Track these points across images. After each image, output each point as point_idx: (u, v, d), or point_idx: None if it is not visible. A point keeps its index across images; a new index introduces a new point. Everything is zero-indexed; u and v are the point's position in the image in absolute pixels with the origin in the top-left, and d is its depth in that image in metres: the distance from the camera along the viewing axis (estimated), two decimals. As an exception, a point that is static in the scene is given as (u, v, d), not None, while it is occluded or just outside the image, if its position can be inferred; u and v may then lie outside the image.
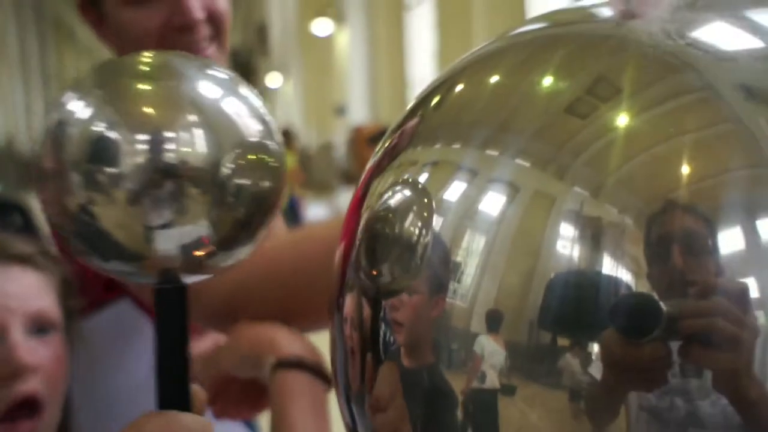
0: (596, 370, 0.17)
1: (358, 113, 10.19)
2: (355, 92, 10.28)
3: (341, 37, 10.61)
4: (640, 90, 0.20)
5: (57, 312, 0.57)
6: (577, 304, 0.18)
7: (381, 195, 0.23)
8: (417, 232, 0.20)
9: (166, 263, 0.25)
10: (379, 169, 0.25)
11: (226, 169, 0.24)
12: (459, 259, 0.19)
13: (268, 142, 0.26)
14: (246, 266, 0.49)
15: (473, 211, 0.20)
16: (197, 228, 0.24)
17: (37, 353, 0.53)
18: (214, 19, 0.73)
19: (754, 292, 0.17)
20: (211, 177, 0.24)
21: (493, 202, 0.19)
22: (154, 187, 0.23)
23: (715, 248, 0.17)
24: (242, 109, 0.25)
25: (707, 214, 0.17)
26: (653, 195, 0.18)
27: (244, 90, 0.26)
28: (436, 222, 0.20)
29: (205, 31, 0.73)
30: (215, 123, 0.24)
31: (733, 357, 0.17)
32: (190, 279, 0.26)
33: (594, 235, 0.18)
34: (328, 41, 12.16)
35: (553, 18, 0.25)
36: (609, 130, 0.19)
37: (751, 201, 0.17)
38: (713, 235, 0.17)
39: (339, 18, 10.46)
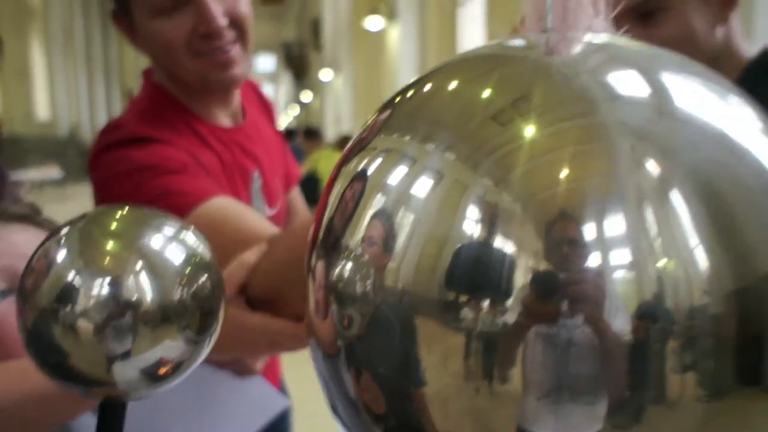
0: (499, 318, 0.23)
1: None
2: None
3: (392, 32, 10.65)
4: (547, 110, 0.25)
5: None
6: (474, 269, 0.23)
7: (347, 175, 0.28)
8: (366, 206, 0.26)
9: (127, 387, 0.33)
10: (349, 154, 0.30)
11: (173, 301, 0.32)
12: (395, 228, 0.25)
13: (203, 276, 0.34)
14: (285, 248, 0.54)
15: (409, 190, 0.25)
16: (155, 353, 0.32)
17: None
18: (236, 22, 0.79)
19: (604, 267, 0.22)
20: (161, 311, 0.32)
21: (423, 185, 0.25)
22: (112, 325, 0.31)
23: (580, 235, 0.22)
24: (182, 254, 0.33)
25: (575, 210, 0.22)
26: (538, 191, 0.23)
27: (189, 237, 0.35)
28: (381, 198, 0.26)
29: (229, 35, 0.79)
30: (161, 267, 0.32)
31: (595, 308, 0.22)
32: (143, 396, 0.34)
33: (492, 217, 0.23)
34: (379, 36, 12.21)
35: (505, 44, 0.30)
36: (518, 138, 0.25)
37: (604, 203, 0.22)
38: (579, 225, 0.22)
39: (391, 14, 10.50)
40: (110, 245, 0.33)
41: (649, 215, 0.22)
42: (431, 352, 0.23)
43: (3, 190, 0.76)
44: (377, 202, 0.26)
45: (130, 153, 0.75)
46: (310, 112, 25.37)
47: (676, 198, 0.22)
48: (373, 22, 10.41)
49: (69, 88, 18.82)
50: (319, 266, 0.28)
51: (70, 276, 0.31)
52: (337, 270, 0.26)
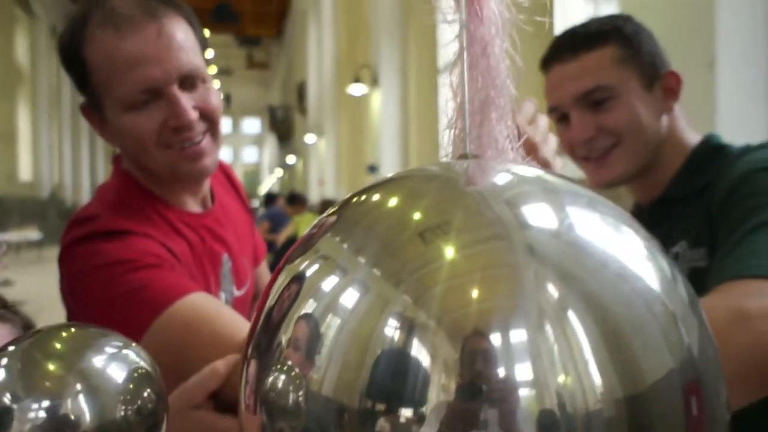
0: (415, 427, 0.25)
1: (389, 172, 10.35)
2: (386, 151, 10.49)
3: (375, 97, 10.92)
4: (464, 234, 0.28)
5: None
6: (392, 380, 0.25)
7: (288, 272, 0.31)
8: (298, 309, 0.28)
9: None
10: (295, 252, 0.33)
11: (114, 420, 0.33)
12: (322, 335, 0.27)
13: (146, 390, 0.35)
14: None
15: (338, 299, 0.28)
16: None
17: None
18: (206, 115, 0.82)
19: (510, 380, 0.24)
20: (99, 427, 0.32)
21: (350, 296, 0.27)
22: None
23: (489, 351, 0.25)
24: (124, 372, 0.34)
25: (485, 328, 0.25)
26: (453, 308, 0.26)
27: (132, 353, 0.36)
28: (312, 303, 0.28)
29: (199, 127, 0.81)
30: (102, 387, 0.33)
31: (504, 417, 0.24)
32: None
33: (409, 332, 0.26)
34: (362, 101, 12.49)
35: (441, 168, 0.33)
36: (437, 258, 0.27)
37: (509, 322, 0.25)
38: (488, 343, 0.25)
39: (373, 80, 10.78)
40: (51, 367, 0.33)
41: (549, 333, 0.25)
42: (353, 460, 0.25)
43: None
44: (308, 306, 0.28)
45: (106, 246, 0.75)
46: (293, 174, 25.59)
47: (573, 318, 0.25)
48: (356, 88, 10.68)
49: (53, 149, 18.86)
50: (252, 365, 0.30)
51: (6, 399, 0.32)
52: (268, 372, 0.28)
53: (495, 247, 0.27)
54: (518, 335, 0.25)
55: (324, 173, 16.84)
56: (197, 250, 0.86)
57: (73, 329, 0.36)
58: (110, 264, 0.74)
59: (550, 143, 0.52)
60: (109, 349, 0.35)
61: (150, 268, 0.74)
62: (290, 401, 0.27)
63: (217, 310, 0.73)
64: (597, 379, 0.25)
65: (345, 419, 0.25)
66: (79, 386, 0.33)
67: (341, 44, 15.86)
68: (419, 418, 0.25)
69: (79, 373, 0.33)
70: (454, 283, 0.26)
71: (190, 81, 0.81)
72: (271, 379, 0.28)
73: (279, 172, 31.23)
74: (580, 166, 1.01)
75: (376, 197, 0.32)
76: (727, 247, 0.74)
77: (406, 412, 0.25)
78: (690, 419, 0.26)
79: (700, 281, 0.78)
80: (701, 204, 0.89)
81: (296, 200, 6.34)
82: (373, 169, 10.83)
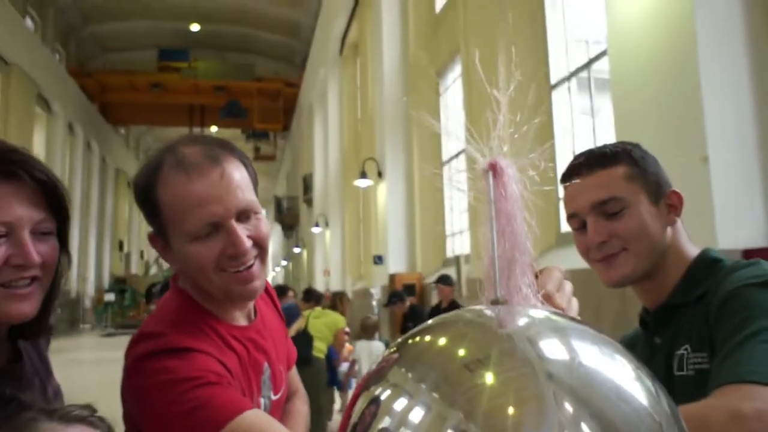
0: None
1: (396, 261, 10.45)
2: (392, 242, 10.63)
3: (380, 189, 11.18)
4: (500, 364, 0.37)
5: None
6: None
7: (366, 397, 0.40)
8: (375, 423, 0.37)
9: None
10: (369, 380, 0.42)
11: None
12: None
13: None
14: None
15: (407, 416, 0.37)
16: None
17: None
18: (258, 243, 0.94)
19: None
20: None
21: (417, 413, 0.37)
22: None
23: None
24: None
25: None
26: (495, 422, 0.35)
27: None
28: (387, 419, 0.37)
29: (252, 253, 0.93)
30: None
31: None
32: None
33: (463, 442, 0.35)
34: (367, 193, 12.76)
35: (477, 313, 0.43)
36: (481, 384, 0.37)
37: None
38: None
39: (378, 174, 11.06)
40: None
41: (567, 441, 0.34)
42: None
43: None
44: (385, 422, 0.37)
45: (171, 363, 0.84)
46: (298, 264, 25.72)
47: (585, 428, 0.34)
48: (362, 182, 10.96)
49: (62, 241, 18.97)
50: None
51: None
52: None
53: (523, 374, 0.37)
54: (544, 445, 0.34)
55: (329, 263, 16.95)
56: (244, 361, 0.95)
57: None
58: (176, 381, 0.82)
59: (573, 306, 0.62)
60: None
61: (211, 386, 0.82)
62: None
63: (269, 427, 0.82)
64: (604, 476, 0.33)
65: None
66: None
67: (346, 138, 16.39)
68: None
69: None
70: (494, 403, 0.36)
71: (245, 214, 0.92)
72: None
73: (283, 263, 31.33)
74: (593, 267, 1.13)
75: (428, 338, 0.42)
76: (723, 354, 0.85)
77: None
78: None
79: (704, 382, 0.87)
80: (700, 311, 1.01)
81: (312, 296, 6.30)
82: (379, 259, 10.93)
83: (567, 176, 1.14)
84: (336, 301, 6.20)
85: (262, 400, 0.98)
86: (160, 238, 0.96)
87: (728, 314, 0.91)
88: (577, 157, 1.15)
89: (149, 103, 26.00)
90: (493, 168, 0.42)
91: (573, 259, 1.33)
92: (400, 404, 0.38)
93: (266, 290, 1.14)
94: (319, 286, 16.29)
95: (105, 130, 26.89)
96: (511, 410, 0.35)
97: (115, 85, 25.49)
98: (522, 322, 0.40)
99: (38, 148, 17.28)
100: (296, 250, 25.63)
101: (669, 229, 1.11)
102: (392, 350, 0.43)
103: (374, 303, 10.55)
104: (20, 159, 0.79)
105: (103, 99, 25.57)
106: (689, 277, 1.07)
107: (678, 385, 0.99)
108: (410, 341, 0.42)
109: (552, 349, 0.38)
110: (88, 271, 23.66)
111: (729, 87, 3.61)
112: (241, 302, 0.98)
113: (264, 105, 26.79)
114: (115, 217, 29.16)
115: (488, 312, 0.41)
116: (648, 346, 1.12)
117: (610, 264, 1.09)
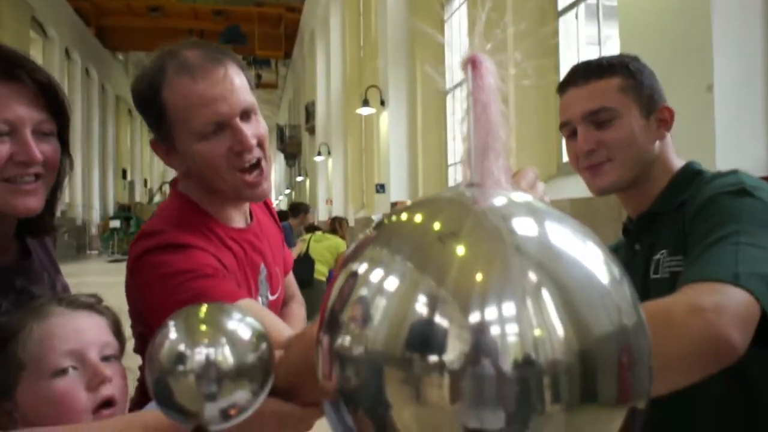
0: (441, 368, 0.37)
1: (398, 190, 10.50)
2: (394, 170, 10.64)
3: (383, 117, 11.09)
4: (471, 236, 0.40)
5: (116, 344, 0.79)
6: (423, 335, 0.37)
7: (344, 274, 0.43)
8: (355, 295, 0.41)
9: (210, 421, 0.50)
10: (348, 259, 0.45)
11: (246, 363, 0.50)
12: (373, 310, 0.39)
13: (264, 345, 0.53)
14: (299, 353, 0.67)
15: (383, 285, 0.40)
16: (230, 399, 0.49)
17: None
18: (260, 143, 1.00)
19: (503, 333, 0.36)
20: (237, 369, 0.50)
21: (392, 282, 0.40)
22: (206, 378, 0.48)
23: (489, 314, 0.37)
24: (249, 331, 0.52)
25: (486, 299, 0.37)
26: (464, 287, 0.38)
27: (251, 320, 0.53)
28: (365, 290, 0.40)
29: (257, 152, 0.99)
30: (237, 341, 0.51)
31: (497, 358, 0.36)
32: (218, 428, 0.50)
33: (433, 304, 0.38)
34: (370, 121, 12.66)
35: (456, 191, 0.45)
36: (452, 254, 0.39)
37: (502, 295, 0.37)
38: (488, 308, 0.37)
39: (381, 102, 10.94)
40: (203, 328, 0.51)
41: (529, 304, 0.37)
42: (399, 391, 0.37)
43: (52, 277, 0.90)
44: (362, 291, 0.41)
45: (170, 258, 0.90)
46: (301, 192, 25.81)
47: (546, 294, 0.37)
48: (365, 109, 10.86)
49: (65, 168, 19.05)
50: (325, 340, 0.42)
51: (181, 348, 0.49)
52: (337, 341, 0.40)
53: (492, 246, 0.39)
54: (507, 304, 0.37)
55: (332, 192, 17.02)
56: (241, 260, 1.02)
57: (208, 305, 0.51)
58: (175, 273, 0.89)
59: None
60: (236, 316, 0.50)
61: (208, 278, 0.88)
62: (354, 357, 0.39)
63: (262, 314, 0.86)
64: (560, 336, 0.36)
65: (394, 365, 0.37)
66: (223, 340, 0.50)
67: (349, 65, 16.09)
68: (442, 362, 0.37)
69: (222, 331, 0.50)
70: (464, 270, 0.38)
71: (247, 114, 0.99)
72: (340, 346, 0.40)
73: (286, 191, 31.42)
74: (581, 175, 1.16)
75: (404, 216, 0.45)
76: (692, 256, 0.89)
77: (433, 358, 0.37)
78: (621, 368, 0.38)
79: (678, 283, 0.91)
80: (679, 218, 1.05)
81: (299, 209, 6.54)
82: (381, 188, 10.97)
83: (563, 85, 1.16)
84: (335, 226, 6.29)
85: (260, 299, 1.05)
86: (164, 142, 0.99)
87: (702, 219, 0.95)
88: (575, 67, 1.17)
89: (147, 27, 25.39)
90: (473, 61, 0.44)
91: (574, 188, 1.37)
92: (376, 275, 0.41)
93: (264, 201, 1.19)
94: (322, 215, 16.40)
95: (103, 56, 26.39)
96: (479, 277, 0.38)
97: (111, 9, 24.86)
98: (498, 201, 0.42)
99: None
100: (299, 179, 25.67)
101: (657, 143, 1.13)
102: (371, 230, 0.45)
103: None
104: (21, 61, 0.81)
105: (100, 23, 24.98)
106: (672, 187, 1.11)
107: (654, 288, 1.04)
108: (387, 220, 0.45)
109: (523, 226, 0.40)
110: (92, 200, 23.81)
111: (738, 17, 3.53)
112: (246, 202, 1.05)
113: (265, 31, 26.19)
114: (117, 145, 29.07)
115: (466, 192, 0.43)
116: (629, 253, 1.17)
117: (596, 172, 1.13)
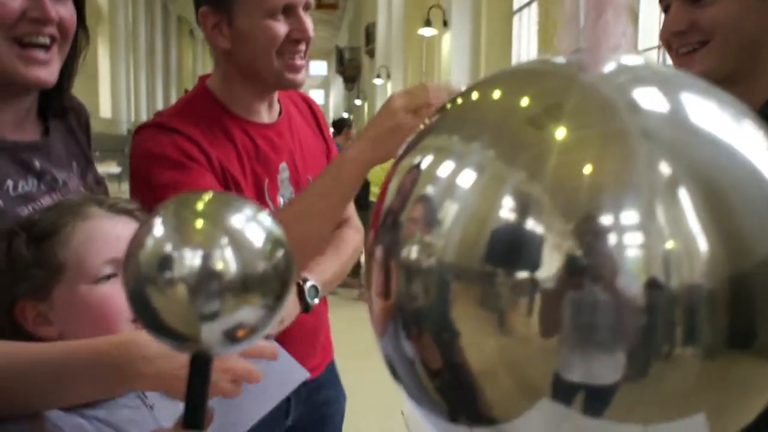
0: (532, 286, 0.27)
1: (457, 116, 10.23)
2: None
3: (445, 39, 10.68)
4: (577, 118, 0.29)
5: None
6: (510, 247, 0.28)
7: (402, 169, 0.33)
8: (420, 193, 0.31)
9: (212, 345, 0.38)
10: (405, 153, 0.35)
11: (256, 273, 0.38)
12: (444, 211, 0.30)
13: (281, 252, 0.39)
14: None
15: (454, 181, 0.30)
16: (236, 317, 0.37)
17: None
18: (308, 40, 1.00)
19: (621, 246, 0.26)
20: (244, 281, 0.37)
21: (468, 177, 0.30)
22: (202, 290, 0.36)
23: (601, 220, 0.27)
24: (262, 233, 0.39)
25: (597, 200, 0.27)
26: (565, 183, 0.28)
27: (265, 218, 0.40)
28: (432, 187, 0.31)
29: (306, 46, 1.00)
30: (244, 243, 0.38)
31: (613, 280, 0.26)
32: (225, 352, 0.40)
33: (521, 205, 0.28)
34: (431, 42, 12.25)
35: (543, 61, 0.35)
36: (550, 139, 0.29)
37: (622, 196, 0.27)
38: (600, 213, 0.27)
39: (444, 22, 10.52)
40: (200, 224, 0.38)
41: (659, 205, 0.26)
42: (474, 316, 0.28)
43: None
44: (428, 190, 0.31)
45: (154, 137, 0.95)
46: (359, 116, 25.61)
47: (683, 193, 0.27)
48: (427, 30, 10.47)
49: (130, 88, 19.52)
50: (379, 250, 0.33)
51: (168, 248, 0.37)
52: (395, 250, 0.31)
53: (607, 128, 0.29)
54: (628, 207, 0.26)
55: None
56: (248, 155, 1.00)
57: (212, 194, 0.41)
58: (152, 156, 0.94)
59: None
60: (247, 211, 0.39)
61: (179, 170, 0.91)
62: (418, 270, 0.30)
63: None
64: (703, 252, 0.26)
65: (468, 281, 0.28)
66: (225, 240, 0.37)
67: (412, -16, 15.48)
68: (533, 281, 0.27)
69: (225, 229, 0.38)
70: (566, 160, 0.28)
71: (308, 7, 0.99)
72: (399, 257, 0.31)
73: (344, 115, 31.29)
74: (671, 59, 0.98)
75: (478, 94, 0.34)
76: None
77: (521, 275, 0.27)
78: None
79: None
80: None
81: (341, 125, 6.36)
82: (440, 112, 10.71)
83: None
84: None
85: (281, 199, 1.02)
86: (219, 12, 0.97)
87: None
88: None
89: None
90: None
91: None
92: (445, 169, 0.31)
93: (311, 109, 1.18)
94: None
95: (165, -26, 26.31)
96: (587, 169, 0.27)
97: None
98: (613, 69, 0.31)
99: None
100: (357, 102, 25.44)
101: (765, 32, 0.93)
102: (430, 119, 0.35)
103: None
104: None
105: (162, -60, 24.73)
106: None
107: None
108: (451, 104, 0.35)
109: (651, 100, 0.29)
110: (157, 118, 24.33)
111: None
112: (276, 90, 1.05)
113: (326, -52, 25.38)
114: (180, 65, 29.42)
115: (563, 59, 0.32)
116: None
117: (684, 60, 0.94)
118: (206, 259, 0.36)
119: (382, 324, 0.32)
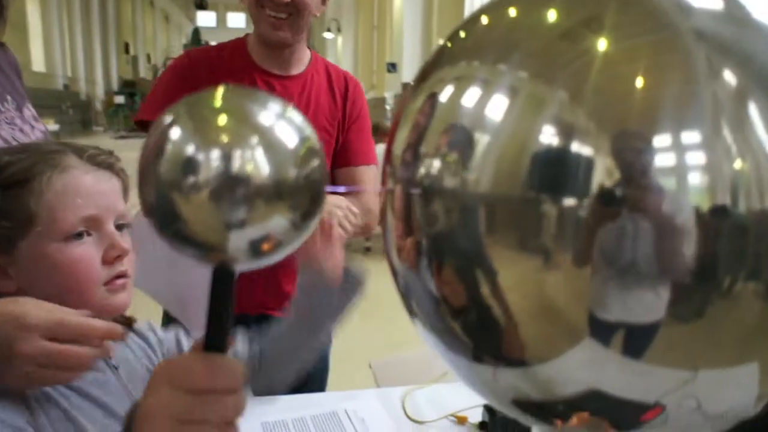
0: (576, 213, 0.24)
1: (410, 70, 10.12)
2: (407, 48, 10.19)
3: (396, -7, 10.47)
4: (620, 27, 0.26)
5: (128, 214, 0.66)
6: (553, 173, 0.24)
7: (422, 97, 0.29)
8: (443, 121, 0.27)
9: (236, 255, 0.33)
10: (417, 82, 0.31)
11: (288, 180, 0.32)
12: (477, 137, 0.26)
13: (316, 161, 0.33)
14: None
15: (482, 110, 0.26)
16: (264, 227, 0.32)
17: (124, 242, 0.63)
18: (297, 4, 1.03)
19: (679, 167, 0.23)
20: (276, 187, 0.31)
21: (497, 102, 0.26)
22: (229, 195, 0.31)
23: (653, 140, 0.23)
24: (295, 135, 0.33)
25: (650, 119, 0.23)
26: (614, 101, 0.24)
27: (296, 116, 0.34)
28: (461, 117, 0.27)
29: (287, 9, 1.02)
30: (276, 145, 0.32)
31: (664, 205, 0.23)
32: (245, 267, 0.34)
33: (563, 126, 0.24)
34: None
35: None
36: (591, 52, 0.25)
37: (682, 111, 0.23)
38: (653, 133, 0.23)
39: (395, -28, 10.30)
40: (223, 120, 0.33)
41: (724, 120, 0.23)
42: (509, 244, 0.25)
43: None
44: (453, 117, 0.27)
45: (165, 73, 1.08)
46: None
47: (752, 106, 0.23)
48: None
49: (65, 41, 18.53)
50: (400, 185, 0.29)
51: (190, 150, 0.32)
52: (422, 170, 0.27)
53: (657, 35, 0.25)
54: (687, 124, 0.23)
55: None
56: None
57: (225, 87, 0.34)
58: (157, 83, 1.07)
59: None
60: (274, 107, 0.33)
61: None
62: (447, 197, 0.26)
63: None
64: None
65: (507, 210, 0.24)
66: (255, 139, 0.32)
67: (361, -67, 15.05)
68: (581, 206, 0.24)
69: (252, 127, 0.32)
70: (611, 73, 0.24)
71: None
72: (427, 176, 0.27)
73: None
74: None
75: (485, 20, 0.30)
76: None
77: (567, 200, 0.24)
78: None
79: None
80: None
81: None
82: (393, 67, 10.58)
83: None
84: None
85: None
86: None
87: None
88: None
89: None
90: None
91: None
92: (470, 96, 0.27)
93: (346, 80, 1.22)
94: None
95: None
96: (638, 82, 0.24)
97: None
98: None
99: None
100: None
101: None
102: (436, 53, 0.31)
103: (387, 109, 10.40)
104: None
105: None
106: None
107: None
108: (464, 29, 0.30)
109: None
110: (95, 74, 23.28)
111: None
112: (271, 48, 1.09)
113: None
114: (118, 18, 28.04)
115: None
116: None
117: None
118: (235, 160, 0.31)
119: (406, 259, 0.29)
